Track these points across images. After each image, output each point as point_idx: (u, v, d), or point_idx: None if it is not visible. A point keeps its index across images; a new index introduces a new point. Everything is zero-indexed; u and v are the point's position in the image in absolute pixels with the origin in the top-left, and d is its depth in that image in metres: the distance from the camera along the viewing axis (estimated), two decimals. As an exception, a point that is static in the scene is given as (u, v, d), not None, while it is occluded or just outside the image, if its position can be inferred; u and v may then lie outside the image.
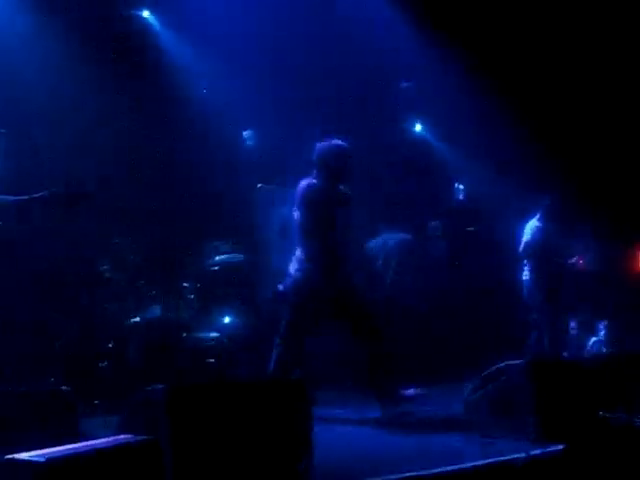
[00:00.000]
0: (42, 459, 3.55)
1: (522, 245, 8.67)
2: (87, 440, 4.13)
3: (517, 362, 5.99)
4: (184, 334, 8.02)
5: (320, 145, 6.75)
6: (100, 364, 7.37)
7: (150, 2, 9.78)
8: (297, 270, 6.66)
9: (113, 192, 8.69)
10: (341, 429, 6.11)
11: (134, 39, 9.44)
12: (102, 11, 8.97)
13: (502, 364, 5.99)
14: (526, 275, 8.64)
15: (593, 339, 9.29)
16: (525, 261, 8.67)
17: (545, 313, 8.55)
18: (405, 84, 11.26)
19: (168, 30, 9.89)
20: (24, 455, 3.63)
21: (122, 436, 4.08)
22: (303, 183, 6.69)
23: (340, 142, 6.76)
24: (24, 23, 8.46)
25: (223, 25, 9.30)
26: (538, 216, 8.67)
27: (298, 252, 6.68)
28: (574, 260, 8.81)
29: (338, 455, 5.15)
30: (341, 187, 6.78)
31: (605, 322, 9.29)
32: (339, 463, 4.98)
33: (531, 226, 8.68)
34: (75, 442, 4.03)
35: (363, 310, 6.67)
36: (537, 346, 8.37)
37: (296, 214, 6.69)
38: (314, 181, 6.69)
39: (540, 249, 8.51)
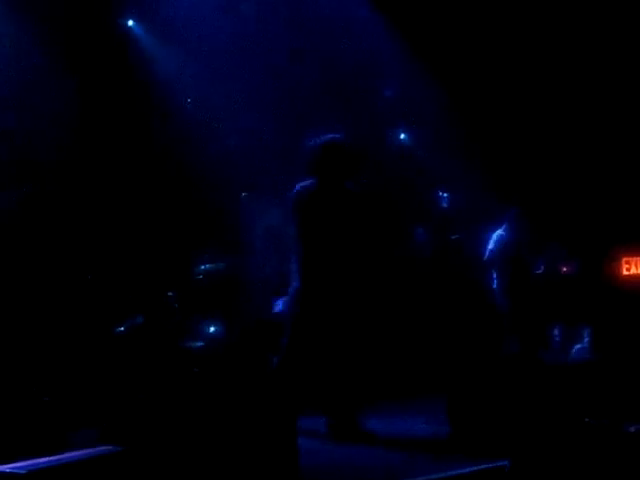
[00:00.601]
0: (22, 471, 3.54)
1: (487, 253, 8.74)
2: (70, 451, 4.12)
3: (497, 369, 6.02)
4: (168, 343, 7.99)
5: (310, 146, 5.95)
6: (83, 374, 7.32)
7: (135, 11, 9.77)
8: (291, 288, 5.96)
9: (96, 201, 8.68)
10: (324, 440, 6.07)
11: (118, 47, 9.42)
12: (86, 19, 8.97)
13: (482, 372, 6.01)
14: (495, 284, 8.70)
15: (577, 346, 9.31)
16: (493, 270, 8.74)
17: (518, 321, 8.59)
18: (389, 92, 11.28)
19: (152, 38, 9.88)
20: (5, 467, 3.61)
21: (103, 447, 4.06)
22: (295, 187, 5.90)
23: (332, 135, 5.95)
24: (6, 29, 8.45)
25: (207, 32, 9.31)
26: (504, 226, 8.74)
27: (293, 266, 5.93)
28: (540, 270, 8.88)
29: (322, 467, 5.14)
30: (351, 185, 5.86)
31: (589, 329, 9.31)
32: (323, 475, 4.98)
33: (496, 235, 8.75)
34: (58, 453, 4.02)
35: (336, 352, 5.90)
36: (512, 355, 8.39)
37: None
38: (304, 183, 5.86)
39: (503, 258, 8.56)
